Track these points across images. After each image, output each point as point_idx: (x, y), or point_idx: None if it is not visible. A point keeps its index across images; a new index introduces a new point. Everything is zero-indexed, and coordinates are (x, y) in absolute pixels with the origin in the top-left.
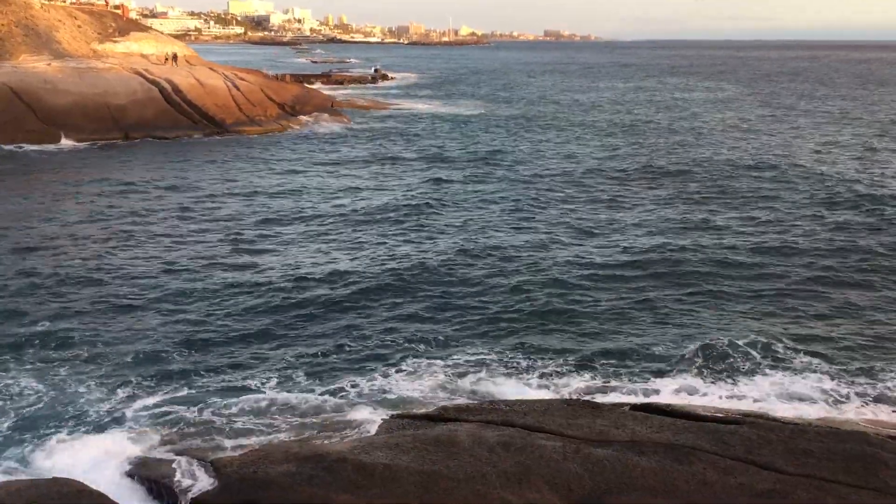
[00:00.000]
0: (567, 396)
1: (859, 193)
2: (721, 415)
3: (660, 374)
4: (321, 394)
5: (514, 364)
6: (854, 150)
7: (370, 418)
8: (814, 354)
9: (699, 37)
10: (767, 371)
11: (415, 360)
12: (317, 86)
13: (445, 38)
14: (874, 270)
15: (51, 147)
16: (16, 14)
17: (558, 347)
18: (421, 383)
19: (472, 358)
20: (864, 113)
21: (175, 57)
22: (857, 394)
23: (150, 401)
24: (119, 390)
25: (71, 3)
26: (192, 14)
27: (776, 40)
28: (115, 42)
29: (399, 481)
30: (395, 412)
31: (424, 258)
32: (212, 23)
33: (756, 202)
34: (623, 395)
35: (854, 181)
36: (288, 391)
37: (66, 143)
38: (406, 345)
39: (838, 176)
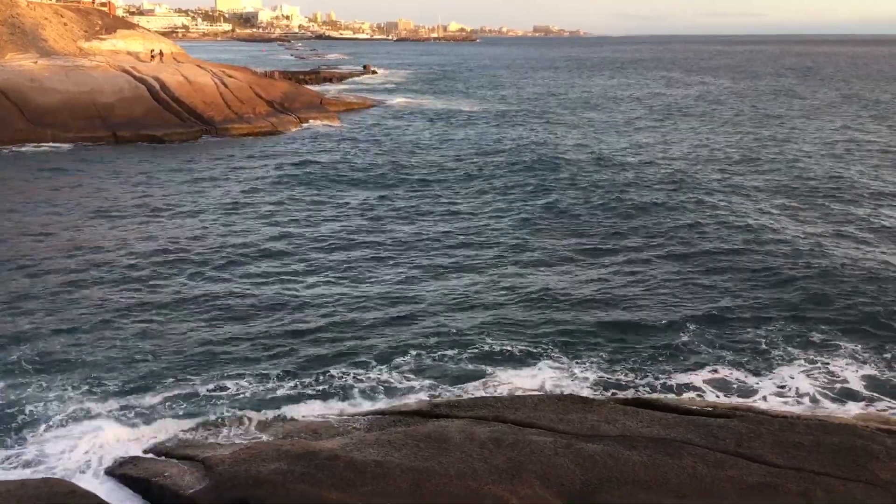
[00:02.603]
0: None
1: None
2: (711, 408)
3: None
4: (312, 392)
5: (504, 359)
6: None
7: (361, 415)
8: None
9: (687, 32)
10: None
11: (405, 356)
12: (306, 83)
13: (434, 35)
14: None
15: (37, 147)
16: (1, 13)
17: (563, 341)
18: (411, 379)
19: (462, 354)
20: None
21: (161, 53)
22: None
23: (140, 401)
24: (108, 391)
25: (57, 1)
26: (179, 11)
27: (756, 35)
28: (101, 40)
29: (390, 478)
30: (385, 409)
31: (412, 256)
32: (199, 20)
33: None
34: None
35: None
36: (278, 389)
37: (52, 142)
38: (396, 342)
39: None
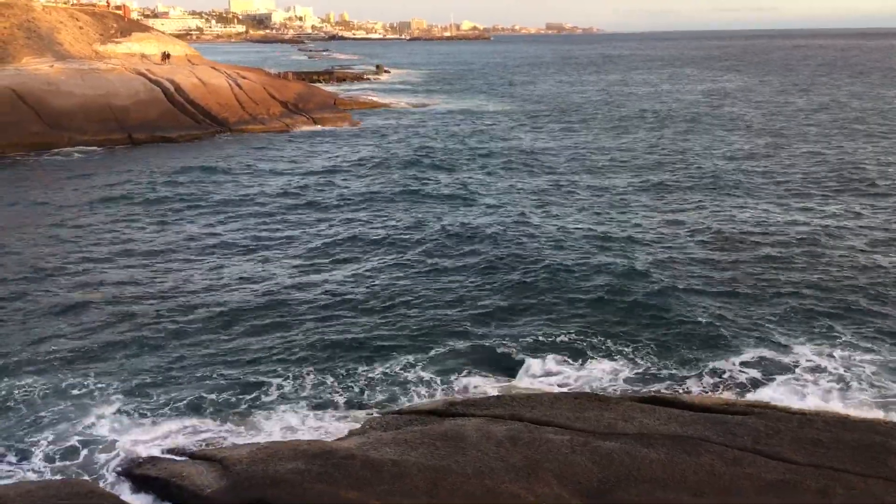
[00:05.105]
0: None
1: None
2: (728, 406)
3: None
4: (328, 391)
5: (520, 358)
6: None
7: (377, 414)
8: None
9: (699, 27)
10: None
11: (421, 355)
12: (319, 83)
13: (447, 34)
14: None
15: (55, 151)
16: (17, 17)
17: (582, 340)
18: (427, 378)
19: (477, 352)
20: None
21: (168, 55)
22: None
23: (158, 402)
24: (127, 393)
25: (72, 5)
26: (193, 13)
27: (764, 30)
28: (116, 43)
29: (407, 476)
30: (402, 408)
31: (427, 254)
32: (213, 22)
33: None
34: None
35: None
36: (295, 389)
37: (69, 146)
38: (411, 342)
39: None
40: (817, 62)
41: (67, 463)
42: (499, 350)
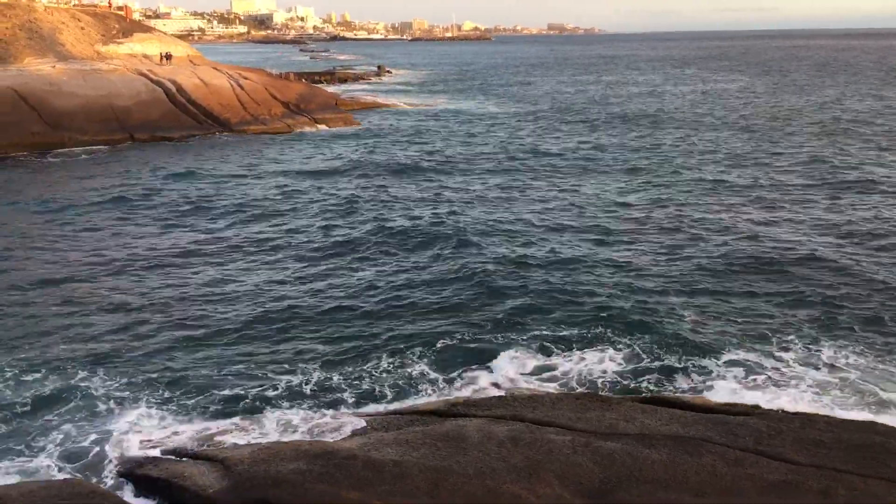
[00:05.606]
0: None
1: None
2: (730, 406)
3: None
4: (330, 391)
5: (522, 358)
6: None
7: (378, 415)
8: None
9: (700, 28)
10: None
11: (422, 355)
12: (320, 84)
13: (449, 34)
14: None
15: (58, 151)
16: (19, 17)
17: (574, 339)
18: (428, 379)
19: (478, 353)
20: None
21: (169, 56)
22: None
23: (160, 401)
24: (129, 393)
25: (74, 5)
26: (195, 14)
27: (765, 30)
28: (118, 43)
29: (409, 477)
30: (403, 408)
31: (429, 257)
32: (215, 22)
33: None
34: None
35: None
36: (296, 389)
37: (70, 146)
38: (413, 341)
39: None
40: (817, 62)
41: (70, 463)
42: (500, 350)
